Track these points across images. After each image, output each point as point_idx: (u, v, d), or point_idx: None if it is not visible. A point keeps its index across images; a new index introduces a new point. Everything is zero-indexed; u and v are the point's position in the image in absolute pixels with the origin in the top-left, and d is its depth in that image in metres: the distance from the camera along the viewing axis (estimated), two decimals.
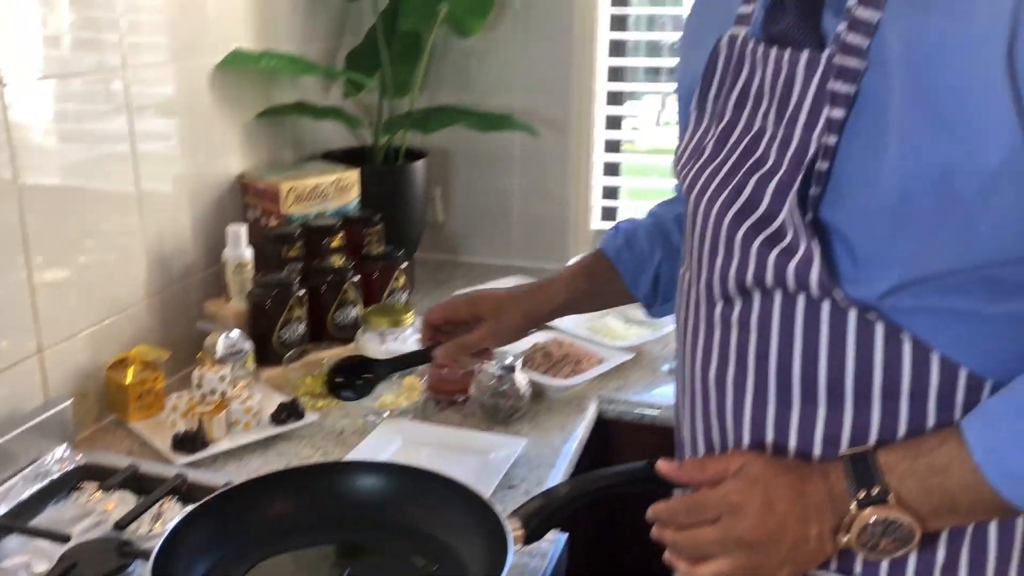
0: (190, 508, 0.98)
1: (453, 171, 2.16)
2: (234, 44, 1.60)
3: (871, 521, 0.74)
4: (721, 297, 0.85)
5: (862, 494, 0.74)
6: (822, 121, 0.74)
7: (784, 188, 0.77)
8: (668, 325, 1.70)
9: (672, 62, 2.07)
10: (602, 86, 2.05)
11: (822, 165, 0.75)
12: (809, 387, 0.80)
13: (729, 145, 0.84)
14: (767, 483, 0.78)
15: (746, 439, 0.84)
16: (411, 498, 1.02)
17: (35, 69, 1.21)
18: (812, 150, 0.75)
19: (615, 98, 2.10)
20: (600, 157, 2.10)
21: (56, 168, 1.26)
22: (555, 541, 1.05)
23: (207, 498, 1.00)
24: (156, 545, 0.91)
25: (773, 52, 0.80)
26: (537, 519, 0.95)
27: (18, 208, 1.20)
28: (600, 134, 2.08)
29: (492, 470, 1.22)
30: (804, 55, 0.76)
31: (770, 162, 0.79)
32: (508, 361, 1.38)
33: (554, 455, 1.30)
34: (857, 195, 0.74)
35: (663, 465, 0.87)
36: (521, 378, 1.39)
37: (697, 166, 0.87)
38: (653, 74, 2.19)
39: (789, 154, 0.77)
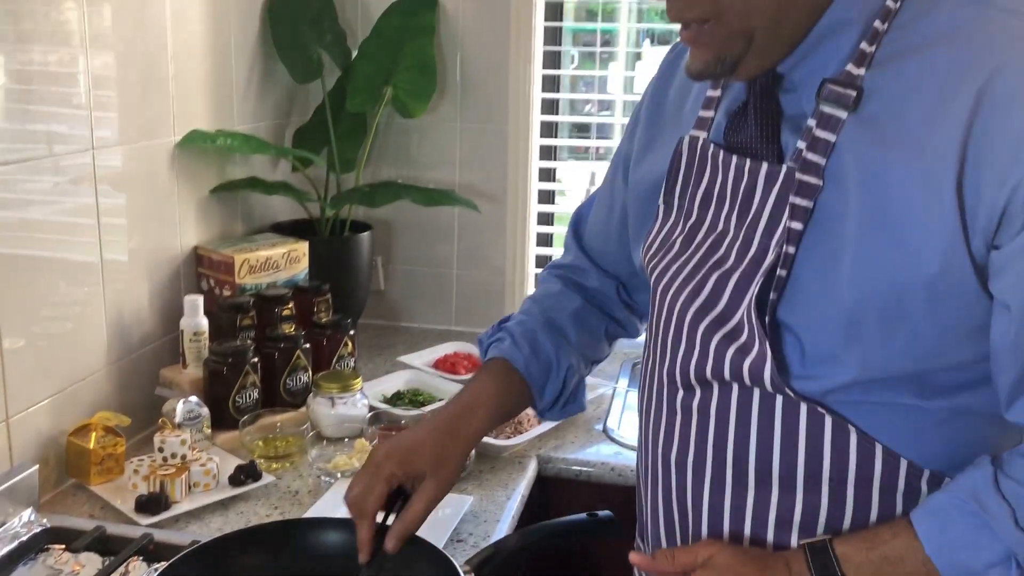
0: (164, 564, 1.05)
1: (394, 241, 2.26)
2: (192, 124, 1.69)
3: None
4: (682, 385, 0.91)
5: None
6: (780, 230, 0.81)
7: (742, 288, 0.84)
8: (597, 390, 1.82)
9: (598, 143, 2.24)
10: (535, 163, 2.20)
11: (781, 272, 0.82)
12: (763, 473, 0.86)
13: (695, 243, 0.91)
14: (735, 573, 0.83)
15: (704, 519, 0.91)
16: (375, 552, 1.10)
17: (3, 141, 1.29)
18: (771, 256, 0.82)
19: (547, 174, 2.24)
20: (534, 228, 2.24)
21: (22, 238, 1.33)
22: None
23: (181, 554, 1.07)
24: None
25: (734, 160, 0.87)
26: (488, 567, 1.05)
27: None
28: (534, 207, 2.22)
29: (442, 526, 1.31)
30: (764, 167, 0.83)
31: (730, 262, 0.86)
32: None
33: (499, 510, 1.40)
34: (813, 302, 0.81)
35: (635, 557, 0.92)
36: None
37: (665, 260, 0.93)
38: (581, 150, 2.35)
39: (748, 256, 0.84)
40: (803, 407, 0.83)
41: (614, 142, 2.20)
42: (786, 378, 0.83)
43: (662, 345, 0.94)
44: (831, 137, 0.80)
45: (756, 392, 0.85)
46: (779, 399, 0.84)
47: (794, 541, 0.86)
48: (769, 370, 0.83)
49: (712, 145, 0.90)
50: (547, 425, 1.65)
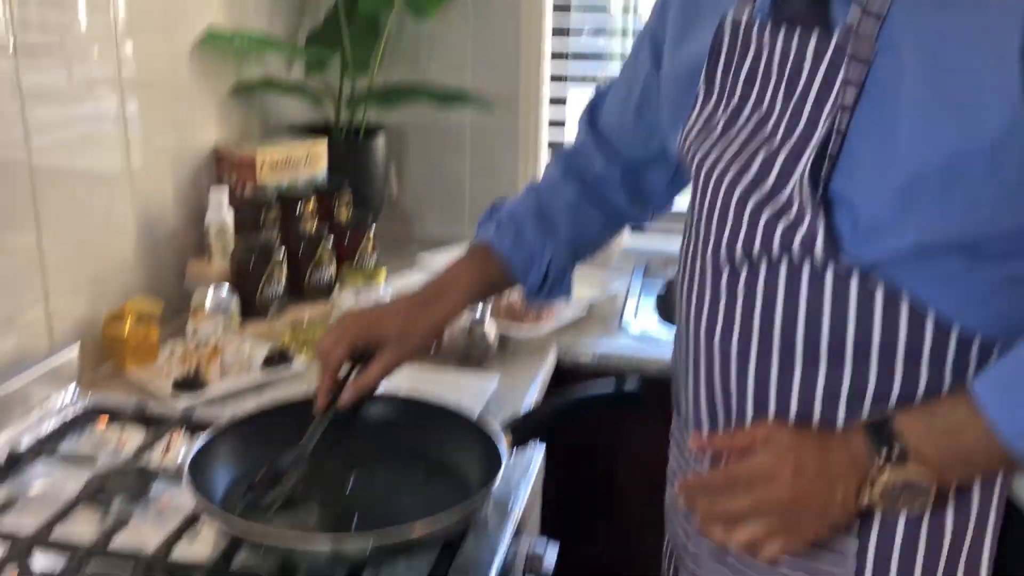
0: (212, 428, 1.09)
1: (406, 149, 2.28)
2: (207, 21, 1.70)
3: (892, 481, 0.79)
4: (728, 266, 0.90)
5: (883, 457, 0.80)
6: (831, 102, 0.80)
7: (791, 163, 0.82)
8: (615, 287, 1.86)
9: (614, 45, 2.24)
10: (547, 67, 2.20)
11: (833, 146, 0.80)
12: (811, 348, 0.85)
13: (740, 123, 0.89)
14: (796, 451, 0.83)
15: (750, 399, 0.90)
16: (410, 424, 1.15)
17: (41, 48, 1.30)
18: (822, 130, 0.80)
19: (559, 79, 2.25)
20: (546, 135, 2.25)
21: (58, 147, 1.35)
22: (536, 450, 1.20)
23: (227, 421, 1.12)
24: (188, 458, 1.02)
25: (781, 33, 0.84)
26: (523, 429, 1.10)
27: (30, 183, 1.29)
28: (546, 113, 2.23)
29: (472, 402, 1.35)
30: (813, 38, 0.81)
31: (778, 138, 0.84)
32: (477, 313, 1.52)
33: (521, 395, 1.44)
34: (868, 172, 0.79)
35: (695, 440, 0.92)
36: (489, 327, 1.53)
37: (707, 143, 0.91)
38: (595, 57, 2.34)
39: (797, 132, 0.82)
40: (854, 278, 0.83)
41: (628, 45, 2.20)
42: (837, 251, 0.82)
43: (706, 227, 0.92)
44: (884, 5, 0.78)
45: (806, 267, 0.84)
46: (829, 272, 0.83)
47: (841, 415, 0.86)
48: (821, 243, 0.82)
49: (757, 21, 0.88)
50: (567, 318, 1.69)
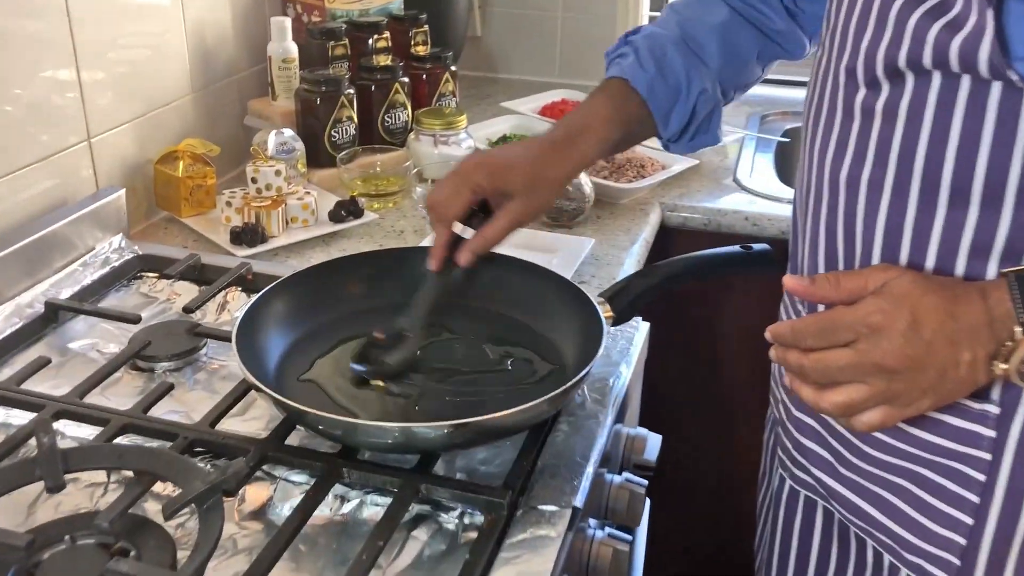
0: (268, 287, 0.94)
1: None
2: None
3: None
4: (865, 82, 0.74)
5: None
6: None
7: None
8: (730, 134, 1.63)
9: None
10: None
11: None
12: (961, 187, 0.69)
13: None
14: (914, 302, 0.67)
15: (877, 248, 0.75)
16: (496, 284, 0.99)
17: None
18: None
19: None
20: None
21: None
22: (637, 328, 1.02)
23: (282, 278, 0.97)
24: (237, 320, 0.88)
25: None
26: (625, 300, 0.92)
27: (66, 12, 1.12)
28: None
29: (563, 266, 1.18)
30: None
31: None
32: None
33: (621, 254, 1.26)
34: None
35: (790, 281, 0.75)
36: (584, 180, 1.34)
37: None
38: None
39: None
40: None
41: None
42: (1008, 58, 0.64)
43: (842, 34, 0.76)
44: None
45: (965, 81, 0.67)
46: (995, 87, 0.66)
47: (992, 272, 0.69)
48: (988, 48, 0.64)
49: None
50: (671, 171, 1.49)
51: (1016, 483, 0.73)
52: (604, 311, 0.90)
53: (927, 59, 0.68)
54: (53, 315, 1.02)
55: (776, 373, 0.94)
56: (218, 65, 1.43)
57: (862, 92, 0.75)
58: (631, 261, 1.25)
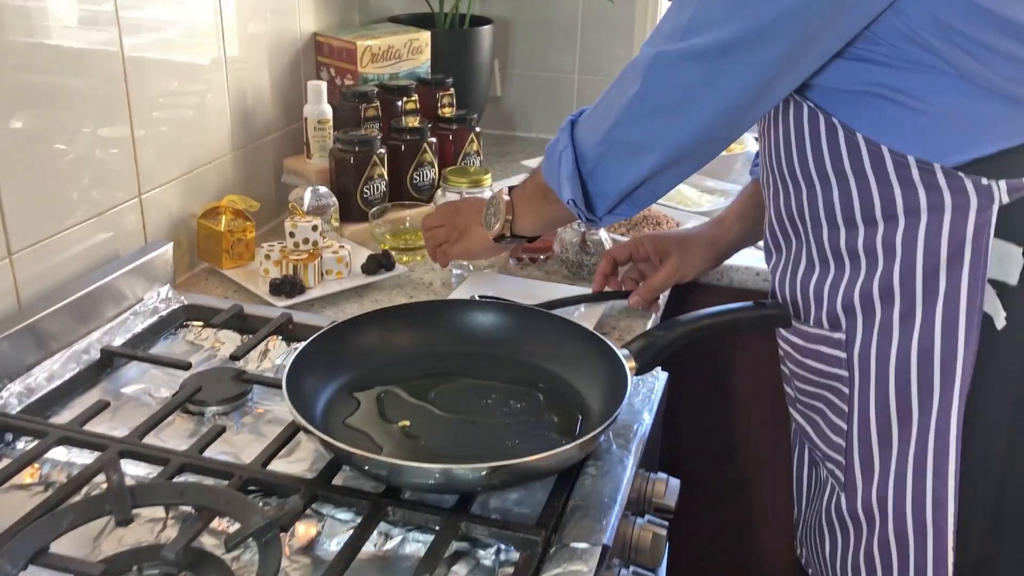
0: (313, 336, 1.01)
1: (513, 45, 2.13)
2: None
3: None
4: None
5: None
6: None
7: None
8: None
9: None
10: None
11: None
12: None
13: None
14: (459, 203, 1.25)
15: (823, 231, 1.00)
16: (527, 336, 1.05)
17: None
18: None
19: None
20: None
21: (149, 40, 1.26)
22: (657, 377, 1.08)
23: (326, 327, 1.03)
24: (286, 367, 0.94)
25: None
26: (648, 353, 0.99)
27: (123, 75, 1.21)
28: (666, 4, 2.04)
29: (586, 318, 1.24)
30: None
31: None
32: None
33: (638, 312, 1.32)
34: None
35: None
36: (604, 236, 1.41)
37: None
38: None
39: None
40: None
41: None
42: None
43: None
44: None
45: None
46: None
47: None
48: None
49: None
50: (686, 227, 1.55)
51: (863, 391, 0.95)
52: (628, 363, 0.96)
53: None
54: (108, 361, 1.08)
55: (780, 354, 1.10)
56: (256, 125, 1.51)
57: None
58: (649, 316, 1.31)
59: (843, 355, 0.96)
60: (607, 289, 1.30)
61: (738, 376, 1.58)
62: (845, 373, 0.97)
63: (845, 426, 0.98)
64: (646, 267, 1.29)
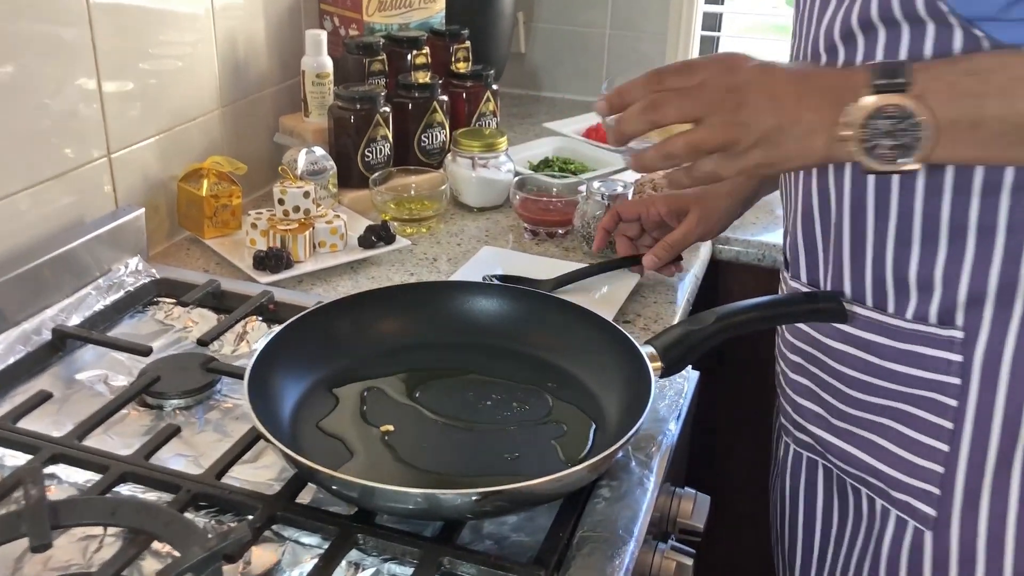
0: (289, 321, 0.87)
1: None
2: None
3: (880, 107, 0.66)
4: (826, 50, 0.76)
5: (880, 81, 0.67)
6: None
7: None
8: None
9: None
10: None
11: None
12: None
13: None
14: (771, 64, 0.72)
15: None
16: (535, 323, 0.91)
17: None
18: None
19: None
20: None
21: None
22: (688, 378, 0.93)
23: (305, 311, 0.89)
24: (252, 358, 0.81)
25: None
26: (676, 351, 0.84)
27: (87, 19, 1.06)
28: None
29: (606, 303, 1.10)
30: None
31: None
32: (618, 190, 1.24)
33: (669, 291, 1.17)
34: None
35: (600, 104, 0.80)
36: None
37: None
38: None
39: None
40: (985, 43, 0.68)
41: None
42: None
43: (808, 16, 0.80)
44: None
45: (929, 31, 0.70)
46: (957, 37, 0.69)
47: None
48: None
49: None
50: None
51: (984, 405, 0.76)
52: (653, 362, 0.81)
53: (896, 10, 0.70)
54: (60, 343, 0.95)
55: (779, 342, 0.95)
56: (249, 78, 1.37)
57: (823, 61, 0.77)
58: (681, 298, 1.17)
59: (957, 358, 0.76)
60: (615, 255, 1.15)
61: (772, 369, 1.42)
62: (956, 381, 0.77)
63: (946, 447, 0.79)
64: (660, 233, 1.13)
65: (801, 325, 0.90)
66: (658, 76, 0.74)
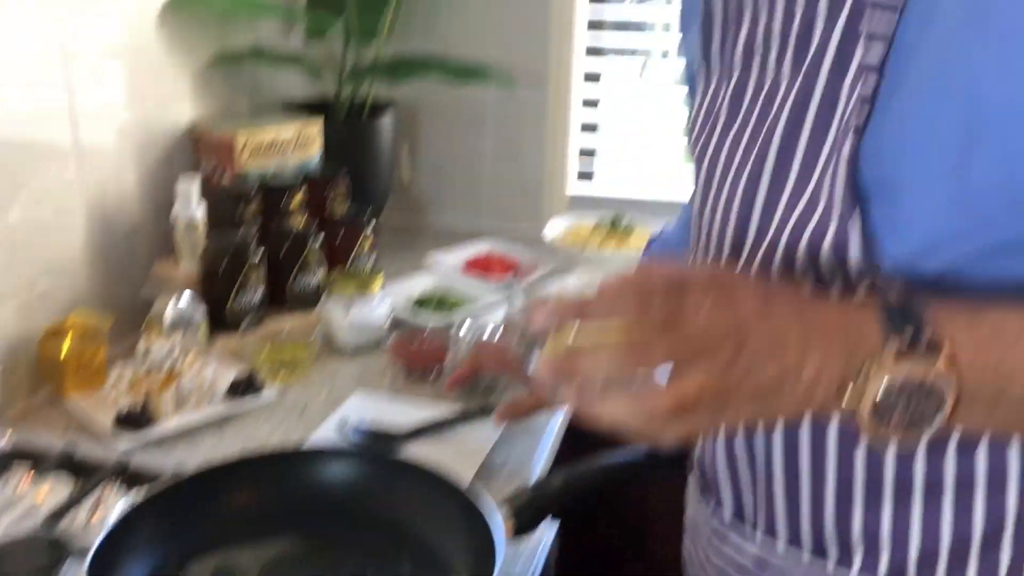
0: (133, 502, 0.86)
1: (421, 128, 2.02)
2: None
3: (907, 375, 0.52)
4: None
5: (902, 338, 0.52)
6: (854, 67, 0.63)
7: (814, 151, 0.66)
8: None
9: (658, 13, 1.96)
10: (581, 38, 1.93)
11: (858, 118, 0.62)
12: None
13: (744, 106, 0.73)
14: (769, 292, 0.56)
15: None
16: (385, 489, 0.91)
17: None
18: (843, 103, 0.64)
19: (594, 52, 1.98)
20: (578, 115, 1.99)
21: None
22: (546, 532, 0.95)
23: (153, 491, 0.88)
24: (92, 545, 0.79)
25: None
26: (529, 512, 0.86)
27: None
28: (579, 90, 1.96)
29: (470, 455, 1.11)
30: None
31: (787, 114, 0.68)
32: (484, 334, 1.27)
33: (536, 435, 1.20)
34: (909, 147, 0.60)
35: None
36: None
37: (715, 134, 0.76)
38: (636, 27, 2.07)
39: (812, 109, 0.66)
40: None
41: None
42: (877, 253, 0.62)
43: (707, 236, 0.76)
44: None
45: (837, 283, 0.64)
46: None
47: None
48: (858, 242, 0.62)
49: None
50: None
51: None
52: (504, 520, 0.83)
53: (798, 258, 0.66)
54: None
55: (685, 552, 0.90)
56: (120, 227, 1.37)
57: None
58: (548, 440, 1.19)
59: None
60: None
61: (634, 512, 1.45)
62: None
63: None
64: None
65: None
66: (644, 297, 0.53)
